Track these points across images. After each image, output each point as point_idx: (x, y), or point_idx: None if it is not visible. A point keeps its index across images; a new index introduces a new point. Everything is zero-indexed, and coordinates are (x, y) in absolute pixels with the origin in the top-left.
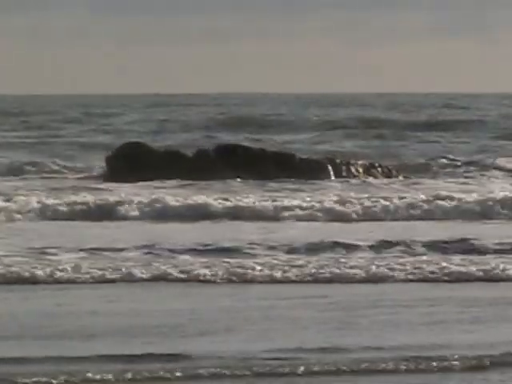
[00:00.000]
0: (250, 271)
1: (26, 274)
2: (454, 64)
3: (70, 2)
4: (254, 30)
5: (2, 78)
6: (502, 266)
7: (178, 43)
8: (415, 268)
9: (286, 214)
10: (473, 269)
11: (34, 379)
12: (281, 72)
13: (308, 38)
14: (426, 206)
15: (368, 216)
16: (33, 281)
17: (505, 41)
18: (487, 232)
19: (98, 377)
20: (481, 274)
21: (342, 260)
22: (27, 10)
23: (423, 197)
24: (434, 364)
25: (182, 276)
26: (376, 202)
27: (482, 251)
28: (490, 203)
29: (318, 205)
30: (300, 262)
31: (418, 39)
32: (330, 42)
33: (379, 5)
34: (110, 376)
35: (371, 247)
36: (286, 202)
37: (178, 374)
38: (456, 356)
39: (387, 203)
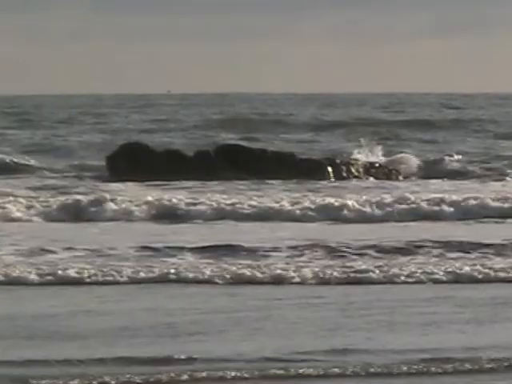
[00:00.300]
0: (246, 272)
1: (26, 275)
2: (454, 64)
3: (70, 1)
4: (254, 29)
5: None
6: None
7: (178, 43)
8: (412, 268)
9: (284, 213)
10: (467, 269)
11: (44, 381)
12: (281, 72)
13: (308, 37)
14: (423, 207)
15: (364, 217)
16: (30, 282)
17: (505, 41)
18: (484, 232)
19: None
20: (478, 274)
21: (340, 261)
22: (27, 10)
23: (423, 197)
24: (438, 366)
25: (178, 276)
26: (374, 202)
27: (475, 251)
28: (486, 202)
29: (316, 205)
30: (296, 263)
31: (418, 39)
32: (329, 41)
33: (379, 5)
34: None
35: (368, 248)
36: (285, 202)
37: (174, 376)
38: (457, 358)
39: (384, 204)
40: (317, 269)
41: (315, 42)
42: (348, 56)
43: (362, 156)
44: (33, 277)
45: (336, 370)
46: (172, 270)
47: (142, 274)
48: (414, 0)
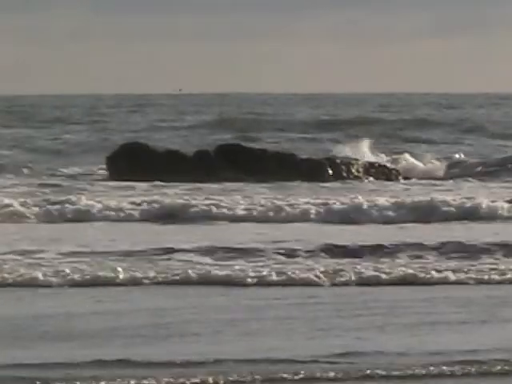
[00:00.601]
0: (240, 273)
1: (21, 276)
2: (454, 64)
3: (70, 1)
4: (254, 29)
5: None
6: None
7: (178, 43)
8: (405, 270)
9: (282, 214)
10: (464, 270)
11: None
12: (281, 72)
13: (308, 37)
14: (417, 208)
15: (358, 218)
16: (27, 283)
17: (505, 41)
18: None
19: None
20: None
21: (333, 263)
22: (27, 10)
23: (421, 198)
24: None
25: (172, 277)
26: (369, 203)
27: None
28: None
29: (313, 206)
30: (292, 265)
31: (418, 39)
32: (329, 41)
33: (379, 5)
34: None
35: (362, 250)
36: (281, 203)
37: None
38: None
39: (379, 205)
40: (310, 270)
41: (315, 42)
42: (348, 56)
43: (360, 155)
44: (30, 278)
45: (332, 372)
46: (167, 271)
47: (138, 275)
48: (414, 0)
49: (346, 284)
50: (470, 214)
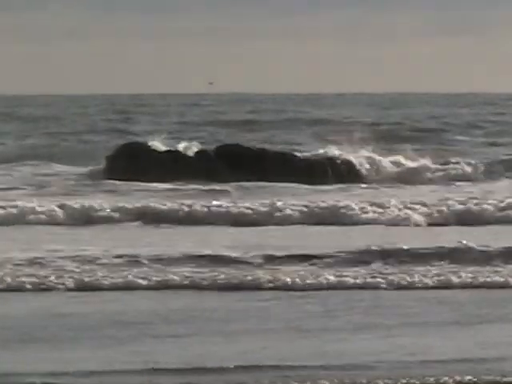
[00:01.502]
0: (225, 276)
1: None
2: (454, 64)
3: (70, 1)
4: (254, 29)
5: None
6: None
7: (178, 43)
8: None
9: (278, 215)
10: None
11: None
12: (281, 72)
13: (308, 37)
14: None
15: (348, 220)
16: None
17: (505, 41)
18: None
19: None
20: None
21: (325, 266)
22: (27, 9)
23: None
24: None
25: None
26: (363, 205)
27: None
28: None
29: (306, 208)
30: (279, 268)
31: (418, 39)
32: (329, 41)
33: (380, 5)
34: None
35: (351, 254)
36: (279, 204)
37: None
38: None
39: (372, 208)
40: (296, 275)
41: (315, 41)
42: (348, 56)
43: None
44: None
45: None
46: (142, 276)
47: (120, 279)
48: (414, 0)
49: (326, 288)
50: None
